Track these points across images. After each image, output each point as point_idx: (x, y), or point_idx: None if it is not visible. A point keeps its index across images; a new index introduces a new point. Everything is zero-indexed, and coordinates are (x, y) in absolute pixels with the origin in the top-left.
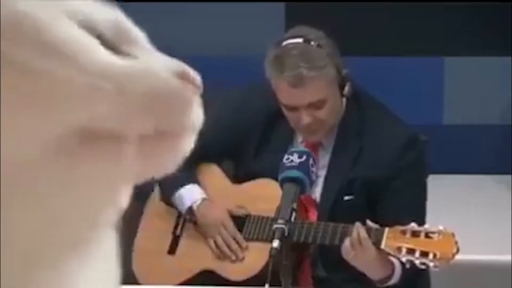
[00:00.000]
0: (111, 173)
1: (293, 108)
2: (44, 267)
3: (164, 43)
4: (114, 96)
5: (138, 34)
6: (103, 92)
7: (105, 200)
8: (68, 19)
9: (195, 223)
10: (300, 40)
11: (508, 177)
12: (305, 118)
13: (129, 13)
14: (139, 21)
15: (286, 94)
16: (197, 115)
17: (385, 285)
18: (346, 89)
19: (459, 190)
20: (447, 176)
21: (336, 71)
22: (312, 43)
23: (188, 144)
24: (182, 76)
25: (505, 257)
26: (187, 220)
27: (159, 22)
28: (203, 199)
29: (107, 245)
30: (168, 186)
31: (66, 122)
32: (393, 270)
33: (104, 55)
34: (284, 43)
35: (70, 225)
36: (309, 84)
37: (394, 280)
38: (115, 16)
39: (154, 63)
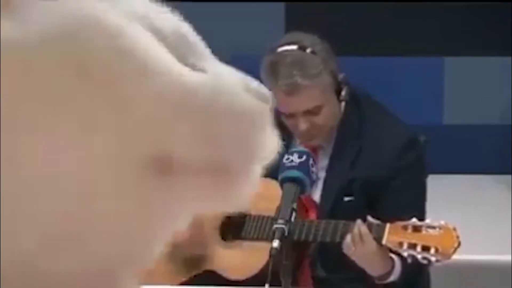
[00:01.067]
0: (180, 207)
1: (290, 115)
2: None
3: None
4: (195, 115)
5: (202, 45)
6: (187, 110)
7: (161, 233)
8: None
9: None
10: (294, 47)
11: (508, 177)
12: (302, 125)
13: None
14: None
15: (282, 102)
16: (272, 140)
17: (385, 281)
18: (343, 93)
19: (459, 190)
20: (447, 176)
21: (332, 77)
22: (307, 50)
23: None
24: (259, 96)
25: (505, 257)
26: None
27: None
28: None
29: None
30: None
31: (145, 149)
32: (392, 267)
33: (181, 70)
34: (279, 50)
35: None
36: (303, 92)
37: (394, 277)
38: (179, 26)
39: (226, 79)
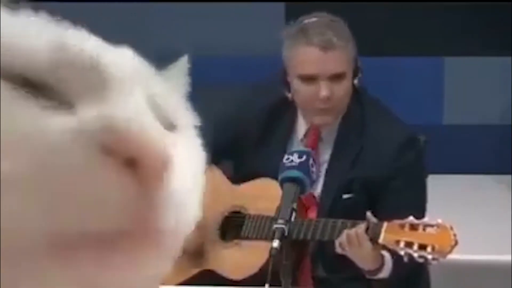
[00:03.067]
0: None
1: (314, 79)
2: None
3: (164, 43)
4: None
5: (112, 69)
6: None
7: None
8: None
9: None
10: (324, 16)
11: (508, 177)
12: (324, 90)
13: (128, 15)
14: (138, 22)
15: (312, 62)
16: (155, 214)
17: (374, 277)
18: (356, 81)
19: (459, 190)
20: (447, 176)
21: (355, 53)
22: (337, 22)
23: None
24: (110, 151)
25: (505, 257)
26: None
27: (160, 22)
28: None
29: None
30: None
31: None
32: (382, 264)
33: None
34: (306, 21)
35: None
36: (338, 51)
37: (384, 274)
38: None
39: (82, 125)
